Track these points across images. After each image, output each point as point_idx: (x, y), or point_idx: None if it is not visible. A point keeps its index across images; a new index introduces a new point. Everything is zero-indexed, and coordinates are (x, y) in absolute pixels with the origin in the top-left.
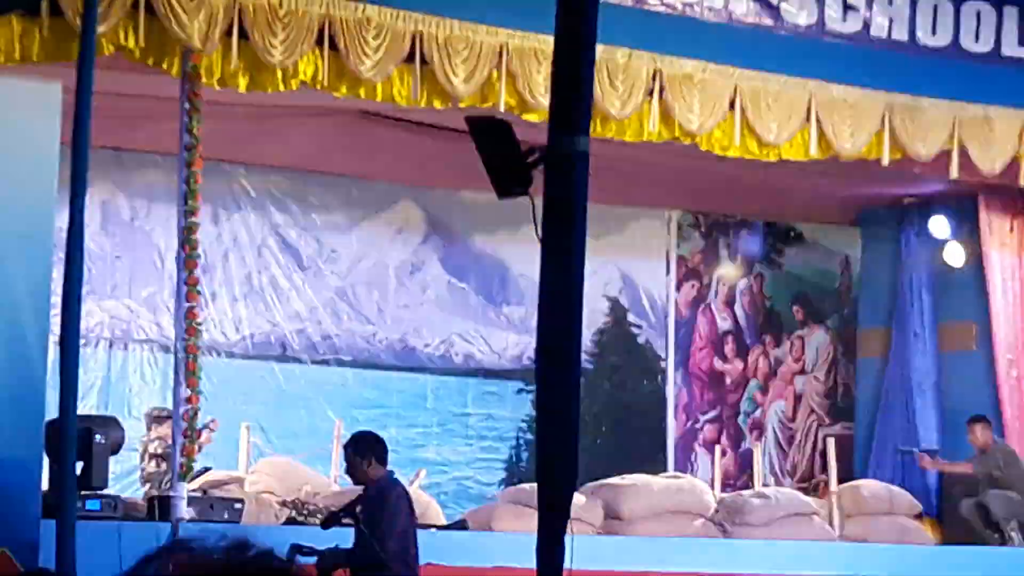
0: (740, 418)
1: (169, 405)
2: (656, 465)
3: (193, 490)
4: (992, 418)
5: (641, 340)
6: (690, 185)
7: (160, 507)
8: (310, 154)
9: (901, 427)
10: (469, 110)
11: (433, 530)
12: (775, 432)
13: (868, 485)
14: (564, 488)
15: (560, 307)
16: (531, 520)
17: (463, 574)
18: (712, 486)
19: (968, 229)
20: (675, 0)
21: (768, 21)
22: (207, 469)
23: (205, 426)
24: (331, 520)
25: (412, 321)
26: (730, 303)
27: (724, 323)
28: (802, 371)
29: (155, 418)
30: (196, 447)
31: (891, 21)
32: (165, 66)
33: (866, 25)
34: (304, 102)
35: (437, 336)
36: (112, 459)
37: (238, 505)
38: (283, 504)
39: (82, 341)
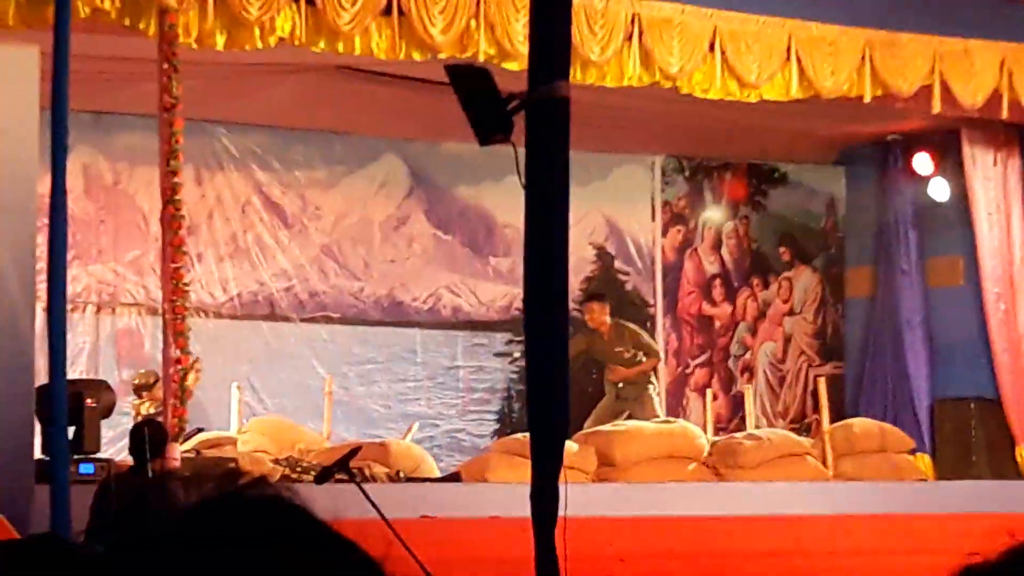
0: (730, 361)
1: (158, 368)
2: None
3: (186, 451)
4: (982, 351)
5: (629, 287)
6: (672, 129)
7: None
8: (290, 111)
9: (891, 364)
10: (448, 61)
11: (427, 483)
12: (766, 374)
13: (860, 423)
14: (556, 437)
15: (546, 255)
16: (524, 470)
17: (458, 526)
18: (704, 430)
19: (952, 164)
20: None
21: None
22: (200, 430)
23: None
24: (325, 476)
25: (399, 275)
26: (716, 247)
27: (711, 267)
28: (790, 312)
29: (143, 386)
30: (187, 396)
31: None
32: (142, 26)
33: None
34: (282, 59)
35: (424, 290)
36: (104, 423)
37: (231, 465)
38: (276, 462)
39: (69, 306)
